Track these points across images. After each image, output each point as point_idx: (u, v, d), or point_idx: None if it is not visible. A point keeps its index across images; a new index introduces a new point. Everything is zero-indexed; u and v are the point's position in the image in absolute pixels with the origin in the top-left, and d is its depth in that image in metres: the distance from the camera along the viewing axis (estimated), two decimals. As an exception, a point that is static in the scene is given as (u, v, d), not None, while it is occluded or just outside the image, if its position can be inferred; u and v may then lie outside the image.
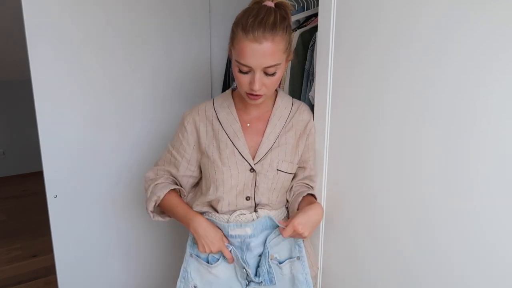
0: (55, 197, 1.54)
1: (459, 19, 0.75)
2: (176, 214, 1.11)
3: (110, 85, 1.59)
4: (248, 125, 1.11)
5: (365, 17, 0.95)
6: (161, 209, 1.16)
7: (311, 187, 1.17)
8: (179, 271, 1.16)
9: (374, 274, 1.03)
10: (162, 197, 1.10)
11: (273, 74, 0.97)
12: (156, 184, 1.13)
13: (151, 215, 1.15)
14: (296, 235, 1.04)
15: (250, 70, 0.96)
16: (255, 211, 1.10)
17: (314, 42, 1.27)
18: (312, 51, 1.28)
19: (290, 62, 1.34)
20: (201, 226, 1.07)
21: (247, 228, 1.08)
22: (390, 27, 0.89)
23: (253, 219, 1.09)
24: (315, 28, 1.25)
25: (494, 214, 0.74)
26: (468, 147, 0.77)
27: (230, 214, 1.10)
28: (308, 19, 1.43)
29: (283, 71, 1.01)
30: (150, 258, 1.84)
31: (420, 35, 0.82)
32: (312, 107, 1.17)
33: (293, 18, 1.42)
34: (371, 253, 1.03)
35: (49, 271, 2.44)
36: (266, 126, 1.10)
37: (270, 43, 0.92)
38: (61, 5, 1.42)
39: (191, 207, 1.13)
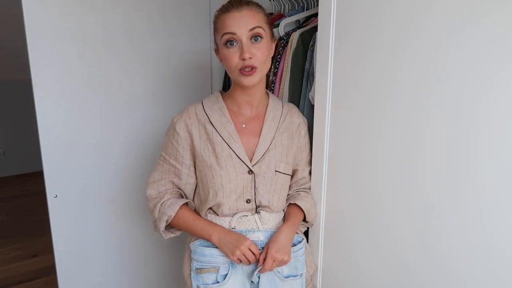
0: (55, 197, 1.54)
1: (460, 21, 0.75)
2: (193, 228, 1.09)
3: (110, 85, 1.59)
4: (244, 126, 1.10)
5: (365, 17, 0.95)
6: (173, 225, 1.13)
7: (308, 188, 1.19)
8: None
9: (374, 274, 1.03)
10: (173, 215, 1.08)
11: (259, 40, 1.01)
12: (163, 203, 1.10)
13: (164, 235, 1.12)
14: (280, 263, 1.04)
15: (236, 41, 1.00)
16: (257, 212, 1.10)
17: (314, 42, 1.27)
18: (312, 51, 1.28)
19: (290, 62, 1.34)
20: (223, 233, 1.06)
21: (260, 233, 1.08)
22: (390, 27, 0.89)
23: (255, 221, 1.09)
24: (315, 28, 1.25)
25: (499, 217, 0.74)
26: (473, 149, 0.77)
27: (232, 217, 1.09)
28: (308, 19, 1.43)
29: (269, 44, 1.05)
30: (150, 257, 1.84)
31: (420, 34, 0.82)
32: (312, 107, 1.17)
33: (293, 18, 1.42)
34: (371, 253, 1.03)
35: (49, 271, 2.44)
36: (262, 126, 1.10)
37: (249, 11, 1.01)
38: (61, 5, 1.42)
39: (205, 219, 1.11)
